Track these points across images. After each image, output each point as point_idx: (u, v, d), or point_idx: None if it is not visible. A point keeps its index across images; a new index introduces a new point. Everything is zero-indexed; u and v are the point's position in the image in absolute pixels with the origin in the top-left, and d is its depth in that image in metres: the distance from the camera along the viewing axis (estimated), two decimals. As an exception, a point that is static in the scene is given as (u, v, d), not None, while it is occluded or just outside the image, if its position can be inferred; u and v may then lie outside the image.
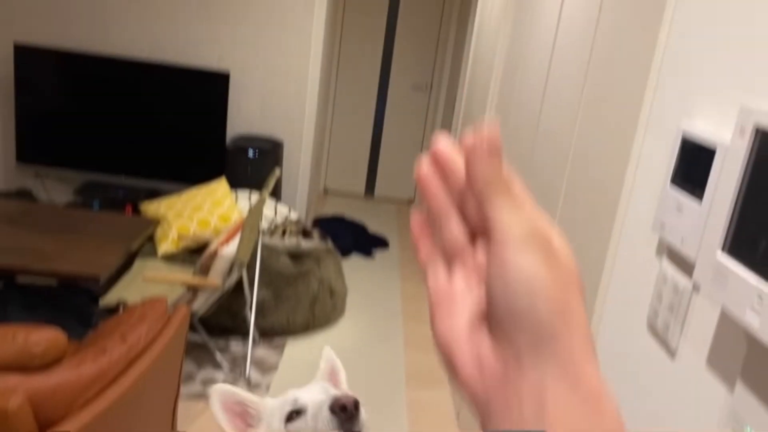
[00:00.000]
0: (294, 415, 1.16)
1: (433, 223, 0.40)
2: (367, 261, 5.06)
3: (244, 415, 1.22)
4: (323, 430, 1.10)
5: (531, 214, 0.36)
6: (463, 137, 0.37)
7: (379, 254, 5.22)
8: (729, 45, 0.99)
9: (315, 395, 1.17)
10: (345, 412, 1.10)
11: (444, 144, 0.39)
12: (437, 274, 0.40)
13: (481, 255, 0.38)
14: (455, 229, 0.39)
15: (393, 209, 6.45)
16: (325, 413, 1.11)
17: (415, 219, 0.41)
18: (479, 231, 0.38)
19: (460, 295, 0.38)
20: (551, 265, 0.34)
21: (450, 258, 0.40)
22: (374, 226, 5.66)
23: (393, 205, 6.57)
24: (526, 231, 0.35)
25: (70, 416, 1.59)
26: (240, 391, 1.22)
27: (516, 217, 0.35)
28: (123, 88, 4.54)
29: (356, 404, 1.11)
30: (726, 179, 0.88)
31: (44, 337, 1.56)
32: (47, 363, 1.57)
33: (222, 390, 1.21)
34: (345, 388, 1.27)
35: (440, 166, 0.39)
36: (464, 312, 0.38)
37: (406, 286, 4.64)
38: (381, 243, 5.38)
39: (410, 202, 6.70)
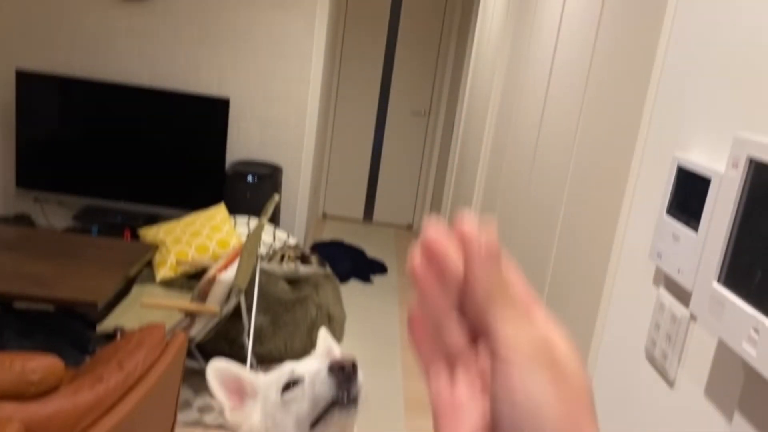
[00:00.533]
0: (291, 385, 1.15)
1: (431, 323, 0.38)
2: (365, 286, 5.05)
3: (239, 391, 1.22)
4: (321, 394, 1.09)
5: (534, 322, 0.35)
6: (456, 223, 0.36)
7: (378, 279, 5.21)
8: (723, 75, 1.01)
9: (311, 366, 1.17)
10: (343, 372, 1.10)
11: (435, 233, 0.36)
12: (439, 379, 0.38)
13: (483, 360, 0.36)
14: (455, 333, 0.37)
15: (392, 234, 6.45)
16: (323, 374, 1.10)
17: (413, 319, 0.39)
18: (481, 331, 0.36)
19: (464, 406, 0.36)
20: (559, 386, 0.33)
21: (451, 359, 0.38)
22: (373, 251, 5.66)
23: (392, 230, 6.58)
24: (531, 347, 0.34)
25: (65, 445, 1.58)
26: (236, 368, 1.23)
27: (519, 330, 0.34)
28: (123, 113, 4.57)
29: (354, 366, 1.11)
30: (721, 209, 0.89)
31: (41, 364, 1.56)
32: (44, 391, 1.57)
33: (219, 366, 1.22)
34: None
35: (433, 260, 0.36)
36: (469, 426, 0.36)
37: (404, 311, 4.63)
38: (379, 268, 5.38)
39: (409, 227, 6.71)
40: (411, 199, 6.68)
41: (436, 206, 5.95)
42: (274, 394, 1.17)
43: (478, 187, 3.11)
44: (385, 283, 5.18)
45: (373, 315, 4.53)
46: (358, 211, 6.71)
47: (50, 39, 4.58)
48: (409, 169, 6.61)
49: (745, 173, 0.83)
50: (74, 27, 4.57)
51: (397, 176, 6.62)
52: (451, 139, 5.37)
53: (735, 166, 0.86)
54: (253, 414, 1.20)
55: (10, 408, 1.48)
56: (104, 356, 1.94)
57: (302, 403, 1.12)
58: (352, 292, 4.82)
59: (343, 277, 4.94)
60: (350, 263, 5.22)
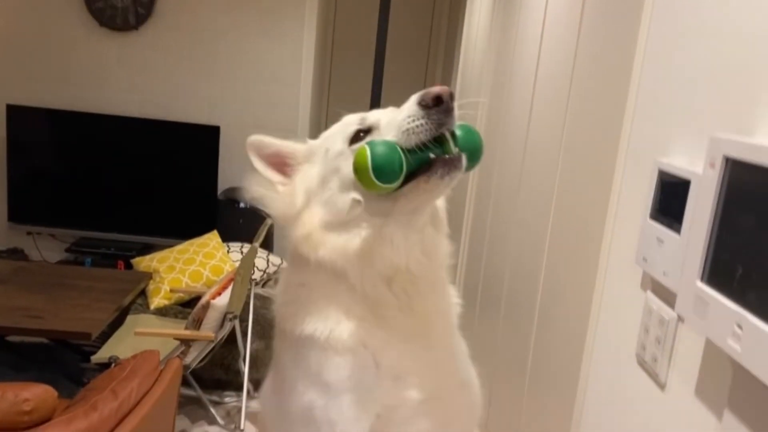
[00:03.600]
0: (361, 134, 0.98)
1: None
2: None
3: (281, 165, 1.07)
4: (409, 131, 0.87)
5: None
6: None
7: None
8: (699, 80, 1.03)
9: (385, 112, 0.99)
10: (441, 105, 0.86)
11: None
12: None
13: None
14: None
15: (386, 256, 6.44)
16: (413, 109, 0.87)
17: None
18: None
19: None
20: None
21: None
22: (367, 274, 5.64)
23: (386, 253, 6.56)
24: None
25: (60, 475, 1.56)
26: (275, 140, 1.08)
27: None
28: (114, 144, 4.59)
29: (452, 96, 0.87)
30: (701, 209, 0.90)
31: (34, 394, 1.55)
32: (37, 421, 1.55)
33: (255, 139, 1.08)
34: None
35: None
36: None
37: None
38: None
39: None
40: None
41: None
42: (340, 144, 0.99)
43: (469, 202, 3.12)
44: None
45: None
46: (352, 234, 6.70)
47: (40, 73, 4.61)
48: (402, 191, 6.63)
49: (722, 172, 0.85)
50: (63, 60, 4.60)
51: (390, 198, 6.63)
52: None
53: (712, 165, 0.87)
54: (308, 176, 1.02)
55: (3, 438, 1.47)
56: (98, 385, 1.93)
57: None
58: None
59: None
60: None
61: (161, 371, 2.01)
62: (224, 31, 4.63)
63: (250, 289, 3.36)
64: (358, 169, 0.88)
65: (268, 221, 3.38)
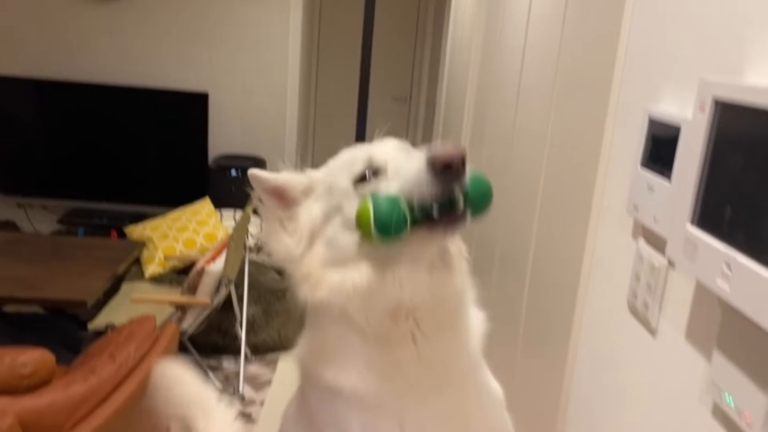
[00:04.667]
0: (367, 176, 0.94)
1: None
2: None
3: (283, 198, 1.03)
4: (416, 195, 0.84)
5: None
6: None
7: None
8: (688, 25, 1.02)
9: (393, 153, 0.95)
10: (449, 172, 0.83)
11: None
12: None
13: None
14: None
15: (379, 221, 6.45)
16: (422, 170, 0.84)
17: None
18: None
19: None
20: None
21: None
22: (361, 239, 5.66)
23: (379, 217, 6.57)
24: None
25: (61, 437, 1.58)
26: (272, 176, 1.02)
27: None
28: (102, 114, 4.54)
29: (463, 161, 0.83)
30: (691, 153, 0.90)
31: (31, 357, 1.56)
32: (36, 384, 1.57)
33: (255, 178, 1.01)
34: None
35: None
36: None
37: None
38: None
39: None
40: (397, 185, 6.68)
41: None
42: (346, 181, 0.96)
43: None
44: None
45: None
46: (345, 199, 6.70)
47: (26, 43, 4.54)
48: (394, 155, 6.60)
49: (712, 114, 0.85)
50: (49, 29, 4.53)
51: (382, 163, 6.61)
52: (434, 123, 5.38)
53: (702, 109, 0.87)
54: (311, 213, 1.00)
55: (3, 402, 1.48)
56: (96, 349, 1.94)
57: None
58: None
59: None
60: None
61: (158, 336, 2.03)
62: (210, -5, 4.56)
63: (244, 255, 3.37)
64: (361, 224, 0.87)
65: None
